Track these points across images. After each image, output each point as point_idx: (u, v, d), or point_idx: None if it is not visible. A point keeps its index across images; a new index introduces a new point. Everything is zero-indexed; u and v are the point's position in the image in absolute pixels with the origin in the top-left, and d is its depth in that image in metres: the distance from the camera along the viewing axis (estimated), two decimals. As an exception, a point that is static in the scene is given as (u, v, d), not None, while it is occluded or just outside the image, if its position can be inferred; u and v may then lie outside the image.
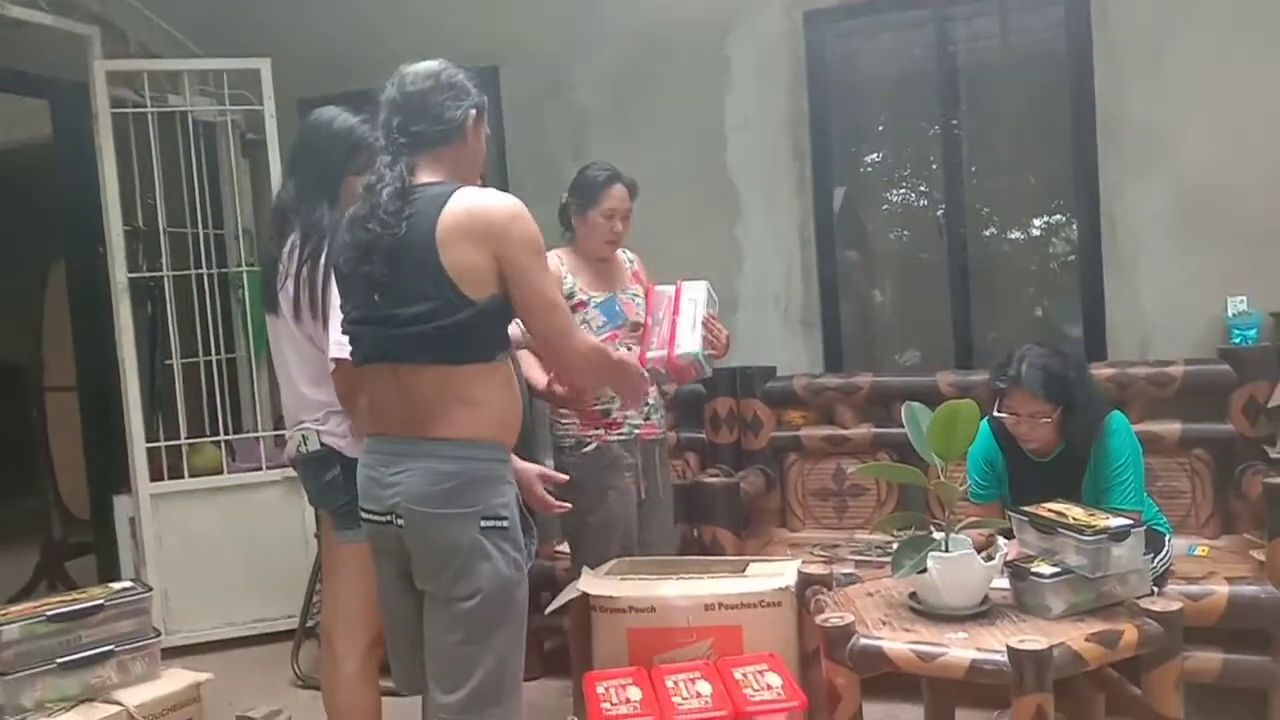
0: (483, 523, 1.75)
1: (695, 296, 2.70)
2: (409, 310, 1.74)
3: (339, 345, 1.96)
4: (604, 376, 2.12)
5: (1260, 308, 3.23)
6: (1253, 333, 3.21)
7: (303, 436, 2.25)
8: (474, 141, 1.88)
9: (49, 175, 4.38)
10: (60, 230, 4.52)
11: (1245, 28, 3.28)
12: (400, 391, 1.79)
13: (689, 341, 2.62)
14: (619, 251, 2.85)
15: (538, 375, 2.53)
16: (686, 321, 2.66)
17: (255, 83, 3.95)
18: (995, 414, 2.48)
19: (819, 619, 2.00)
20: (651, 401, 2.78)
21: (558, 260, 2.75)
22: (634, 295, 2.80)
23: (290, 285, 2.21)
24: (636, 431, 2.75)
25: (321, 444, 2.22)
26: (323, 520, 2.39)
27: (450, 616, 1.77)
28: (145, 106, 3.89)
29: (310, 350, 2.23)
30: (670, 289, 2.76)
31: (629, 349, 2.65)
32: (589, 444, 2.69)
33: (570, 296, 2.70)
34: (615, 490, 2.70)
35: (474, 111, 1.85)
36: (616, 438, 2.72)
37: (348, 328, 1.87)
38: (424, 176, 1.80)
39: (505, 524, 1.78)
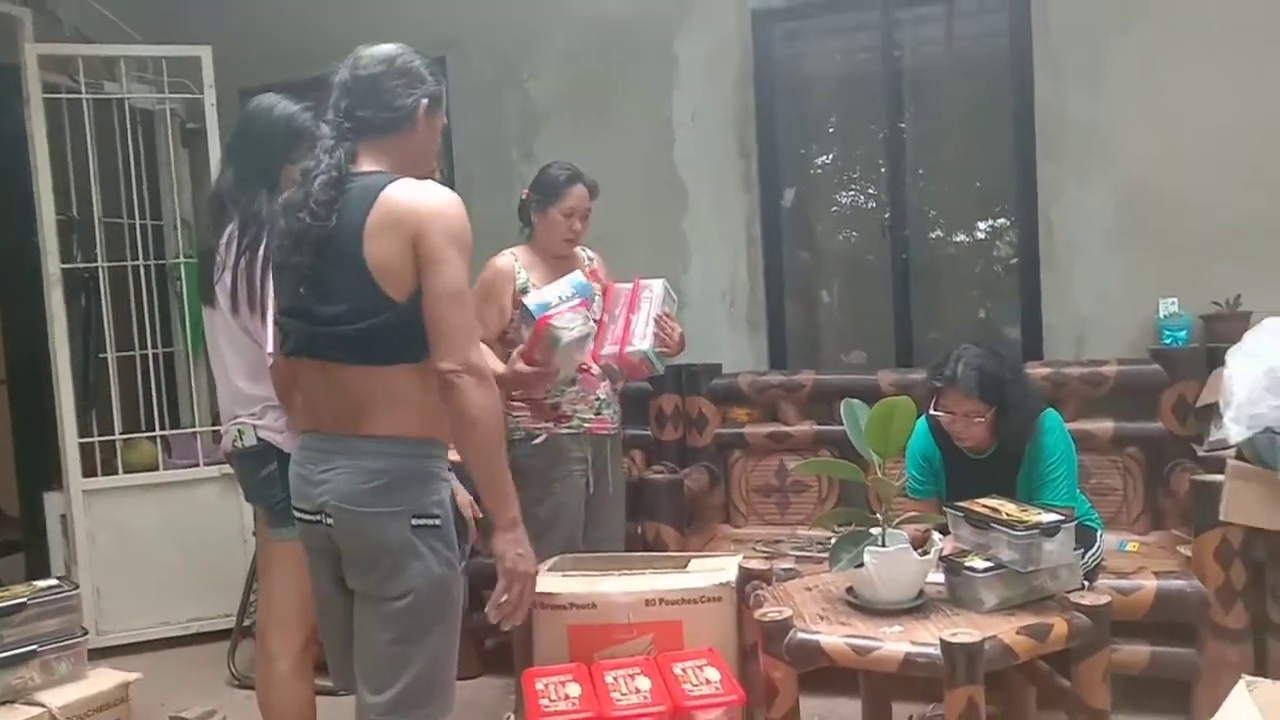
0: (413, 521, 1.71)
1: (651, 294, 2.73)
2: (331, 308, 1.69)
3: None
4: (481, 439, 1.69)
5: (1190, 310, 3.31)
6: (1183, 334, 3.29)
7: (238, 431, 2.22)
8: (425, 132, 1.80)
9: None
10: (-10, 219, 4.38)
11: (1181, 39, 3.36)
12: (330, 387, 1.75)
13: (641, 338, 2.64)
14: (578, 249, 2.87)
15: (493, 364, 2.50)
16: (641, 319, 2.68)
17: (195, 70, 3.86)
18: (931, 412, 2.52)
19: (757, 614, 2.02)
20: (604, 396, 2.79)
21: (512, 257, 2.75)
22: None
23: (228, 277, 2.17)
24: (587, 425, 2.75)
25: (258, 439, 2.19)
26: (258, 517, 2.35)
27: (381, 616, 1.73)
28: (80, 93, 3.78)
29: (247, 344, 2.19)
30: (628, 286, 2.77)
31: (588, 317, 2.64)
32: (538, 436, 2.70)
33: (524, 292, 2.70)
34: (561, 483, 2.71)
35: (426, 101, 1.78)
36: (566, 430, 2.73)
37: (278, 318, 1.83)
38: (365, 165, 1.74)
39: (437, 522, 1.74)
